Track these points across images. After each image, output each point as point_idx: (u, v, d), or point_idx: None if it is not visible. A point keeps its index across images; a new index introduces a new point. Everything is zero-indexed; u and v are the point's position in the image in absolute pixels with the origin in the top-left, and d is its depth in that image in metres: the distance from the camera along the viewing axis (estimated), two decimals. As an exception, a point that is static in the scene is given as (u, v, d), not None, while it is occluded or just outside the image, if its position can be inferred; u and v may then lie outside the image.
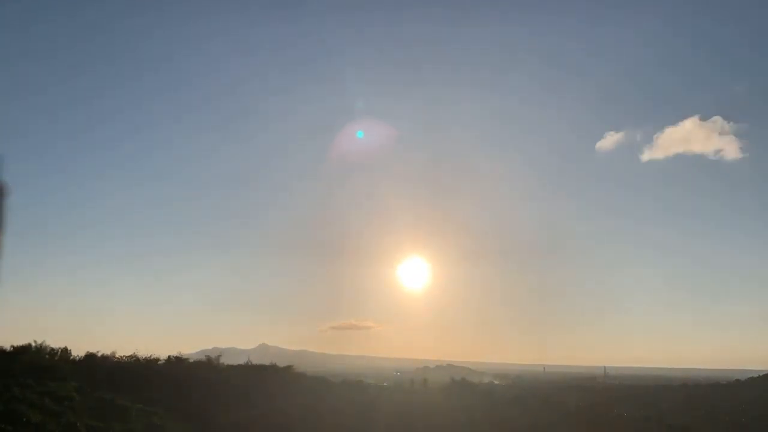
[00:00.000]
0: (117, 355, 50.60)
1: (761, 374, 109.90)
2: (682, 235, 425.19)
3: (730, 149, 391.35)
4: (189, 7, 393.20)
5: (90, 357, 47.46)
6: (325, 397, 47.88)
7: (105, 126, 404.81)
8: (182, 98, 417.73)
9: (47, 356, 45.05)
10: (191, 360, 56.72)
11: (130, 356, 50.95)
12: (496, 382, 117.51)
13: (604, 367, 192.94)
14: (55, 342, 46.16)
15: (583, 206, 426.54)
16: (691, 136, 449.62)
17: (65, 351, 46.49)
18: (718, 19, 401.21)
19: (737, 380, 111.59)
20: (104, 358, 48.90)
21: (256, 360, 62.08)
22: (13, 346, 43.83)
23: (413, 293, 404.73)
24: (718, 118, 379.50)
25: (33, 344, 44.90)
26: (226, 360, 60.23)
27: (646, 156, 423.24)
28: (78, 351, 47.40)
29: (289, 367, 59.40)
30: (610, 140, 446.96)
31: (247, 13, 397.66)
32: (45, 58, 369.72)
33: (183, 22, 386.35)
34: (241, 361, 61.00)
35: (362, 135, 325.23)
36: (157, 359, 53.02)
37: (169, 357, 54.47)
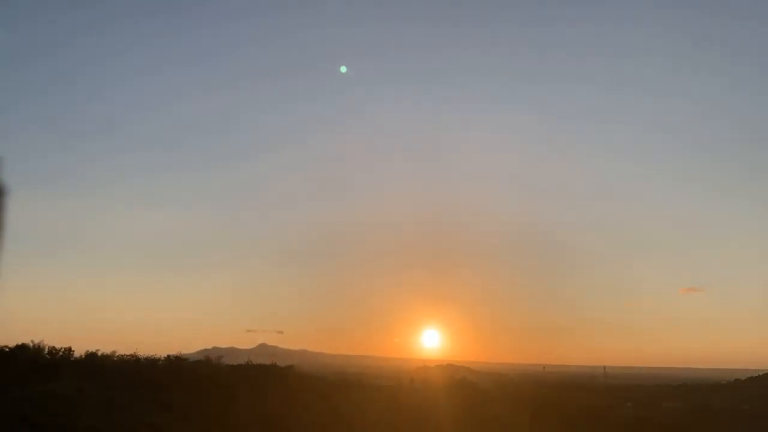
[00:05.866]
0: (117, 355, 50.68)
1: (761, 374, 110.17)
2: (682, 234, 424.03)
3: None
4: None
5: (90, 356, 47.45)
6: (325, 397, 47.87)
7: (104, 125, 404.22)
8: (180, 96, 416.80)
9: (47, 356, 45.05)
10: (191, 360, 56.80)
11: (130, 356, 51.02)
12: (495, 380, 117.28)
13: (604, 366, 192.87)
14: (54, 341, 46.19)
15: (585, 205, 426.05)
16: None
17: (65, 350, 46.48)
18: None
19: (737, 380, 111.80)
20: (104, 357, 48.92)
21: (256, 360, 62.13)
22: (12, 346, 43.83)
23: (412, 292, 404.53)
24: None
25: (32, 344, 44.90)
26: (226, 360, 60.30)
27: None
28: (78, 350, 47.42)
29: (289, 367, 59.52)
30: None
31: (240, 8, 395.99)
32: (44, 56, 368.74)
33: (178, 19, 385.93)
34: (241, 361, 61.04)
35: (345, 70, 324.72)
36: (158, 359, 53.11)
37: (168, 356, 54.56)
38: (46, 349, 45.28)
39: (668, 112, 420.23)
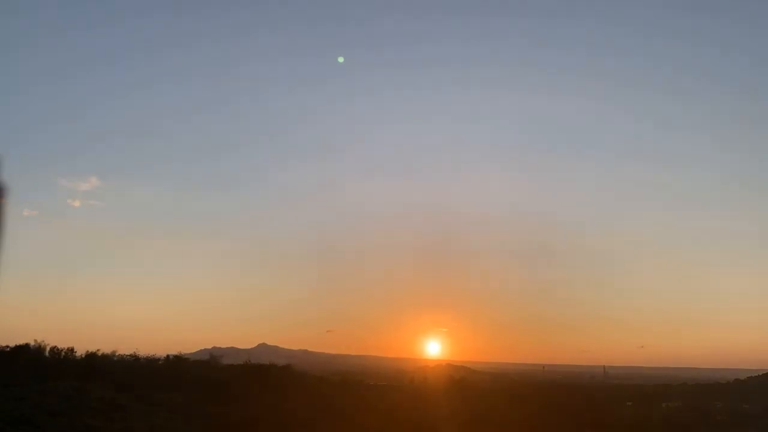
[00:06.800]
0: (117, 355, 50.88)
1: (761, 374, 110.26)
2: (682, 231, 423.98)
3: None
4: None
5: (90, 356, 47.62)
6: (325, 397, 47.96)
7: (104, 124, 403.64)
8: (181, 98, 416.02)
9: (47, 355, 45.22)
10: (191, 359, 57.01)
11: (130, 355, 51.24)
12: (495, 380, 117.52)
13: (604, 366, 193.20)
14: (54, 341, 46.39)
15: (585, 204, 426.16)
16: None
17: (65, 350, 46.66)
18: None
19: (737, 380, 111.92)
20: (104, 357, 49.09)
21: (256, 360, 62.30)
22: (12, 346, 43.98)
23: (411, 290, 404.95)
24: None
25: (32, 344, 45.07)
26: (226, 360, 60.55)
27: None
28: (78, 350, 47.59)
29: (289, 367, 59.64)
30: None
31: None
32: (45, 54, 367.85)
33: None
34: (241, 361, 61.22)
35: (342, 60, 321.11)
36: (158, 359, 53.34)
37: (168, 356, 54.78)
38: (47, 350, 45.47)
39: (672, 112, 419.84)
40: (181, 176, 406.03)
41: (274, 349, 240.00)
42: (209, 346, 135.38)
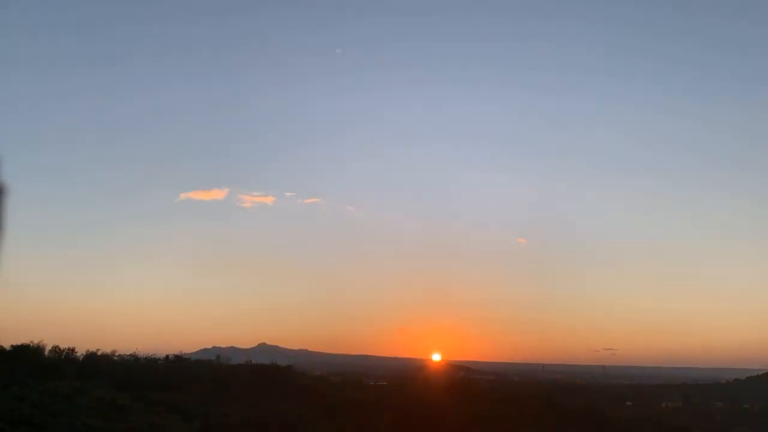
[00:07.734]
0: (117, 355, 50.77)
1: (761, 374, 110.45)
2: (681, 228, 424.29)
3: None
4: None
5: (90, 356, 47.52)
6: (325, 396, 47.97)
7: (105, 124, 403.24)
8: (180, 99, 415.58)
9: (47, 355, 45.11)
10: (191, 359, 57.00)
11: (130, 355, 51.14)
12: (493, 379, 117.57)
13: (603, 366, 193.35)
14: (54, 341, 46.23)
15: (584, 203, 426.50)
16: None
17: (65, 350, 46.56)
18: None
19: (737, 380, 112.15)
20: (104, 357, 49.00)
21: (256, 359, 62.30)
22: (12, 346, 43.87)
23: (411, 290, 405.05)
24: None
25: (31, 343, 44.94)
26: (225, 360, 60.52)
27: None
28: (78, 350, 47.46)
29: (289, 367, 59.64)
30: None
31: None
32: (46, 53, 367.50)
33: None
34: (242, 360, 61.24)
35: (340, 52, 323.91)
36: (158, 359, 53.26)
37: (167, 356, 54.73)
38: (47, 350, 45.36)
39: (673, 112, 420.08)
40: (182, 175, 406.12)
41: (274, 349, 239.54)
42: (209, 346, 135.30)
